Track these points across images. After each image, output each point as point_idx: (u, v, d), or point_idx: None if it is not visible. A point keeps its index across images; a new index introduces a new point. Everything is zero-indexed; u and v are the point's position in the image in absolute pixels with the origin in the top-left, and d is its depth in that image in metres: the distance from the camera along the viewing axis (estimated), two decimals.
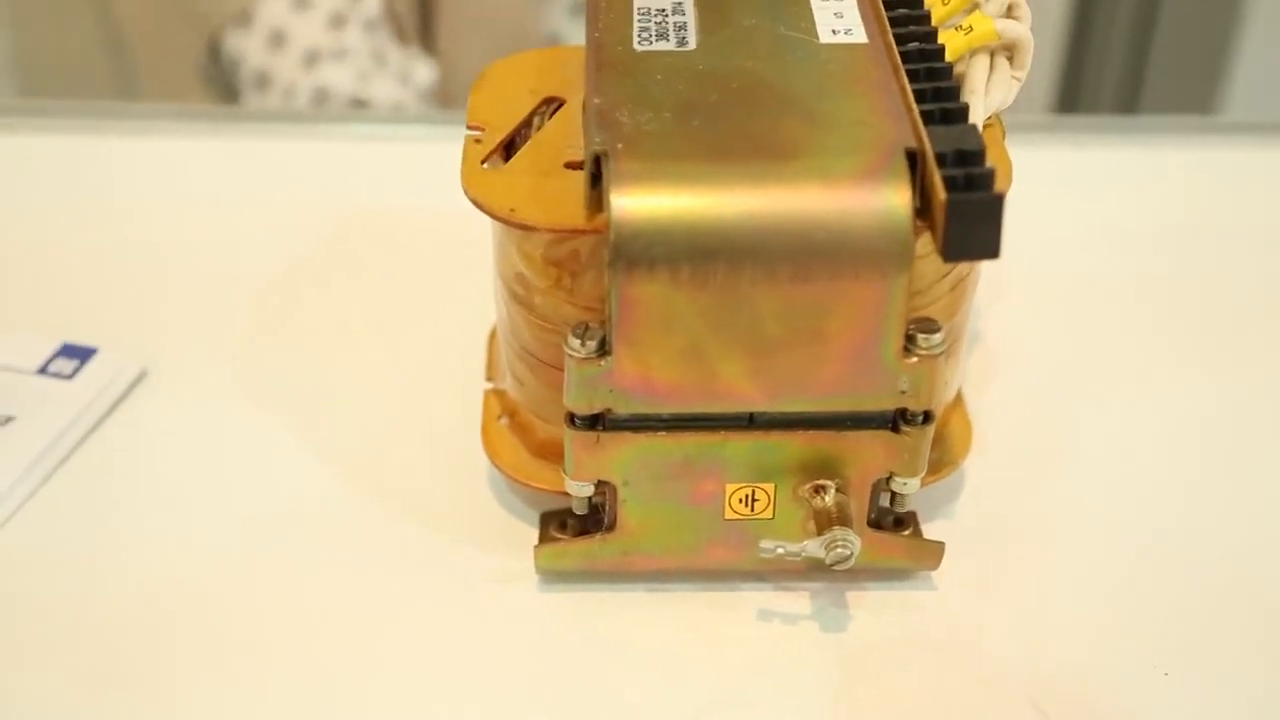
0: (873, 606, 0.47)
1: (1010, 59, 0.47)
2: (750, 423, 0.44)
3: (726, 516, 0.45)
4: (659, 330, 0.41)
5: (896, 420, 0.44)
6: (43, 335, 0.57)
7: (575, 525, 0.47)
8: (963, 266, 0.46)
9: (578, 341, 0.42)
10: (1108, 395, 0.56)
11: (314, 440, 0.53)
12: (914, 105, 0.43)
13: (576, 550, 0.47)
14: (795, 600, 0.48)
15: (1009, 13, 0.47)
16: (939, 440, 0.49)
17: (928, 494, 0.51)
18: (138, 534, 0.50)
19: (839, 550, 0.44)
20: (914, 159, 0.41)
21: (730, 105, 0.43)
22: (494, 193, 0.43)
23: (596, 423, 0.44)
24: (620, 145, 0.41)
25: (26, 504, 0.51)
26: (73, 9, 1.21)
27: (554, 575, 0.48)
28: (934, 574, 0.48)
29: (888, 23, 0.47)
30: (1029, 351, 0.58)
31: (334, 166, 0.69)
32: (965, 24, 0.47)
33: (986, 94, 0.46)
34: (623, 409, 0.43)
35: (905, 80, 0.44)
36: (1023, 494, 0.52)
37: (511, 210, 0.43)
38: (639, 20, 0.47)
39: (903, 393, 0.43)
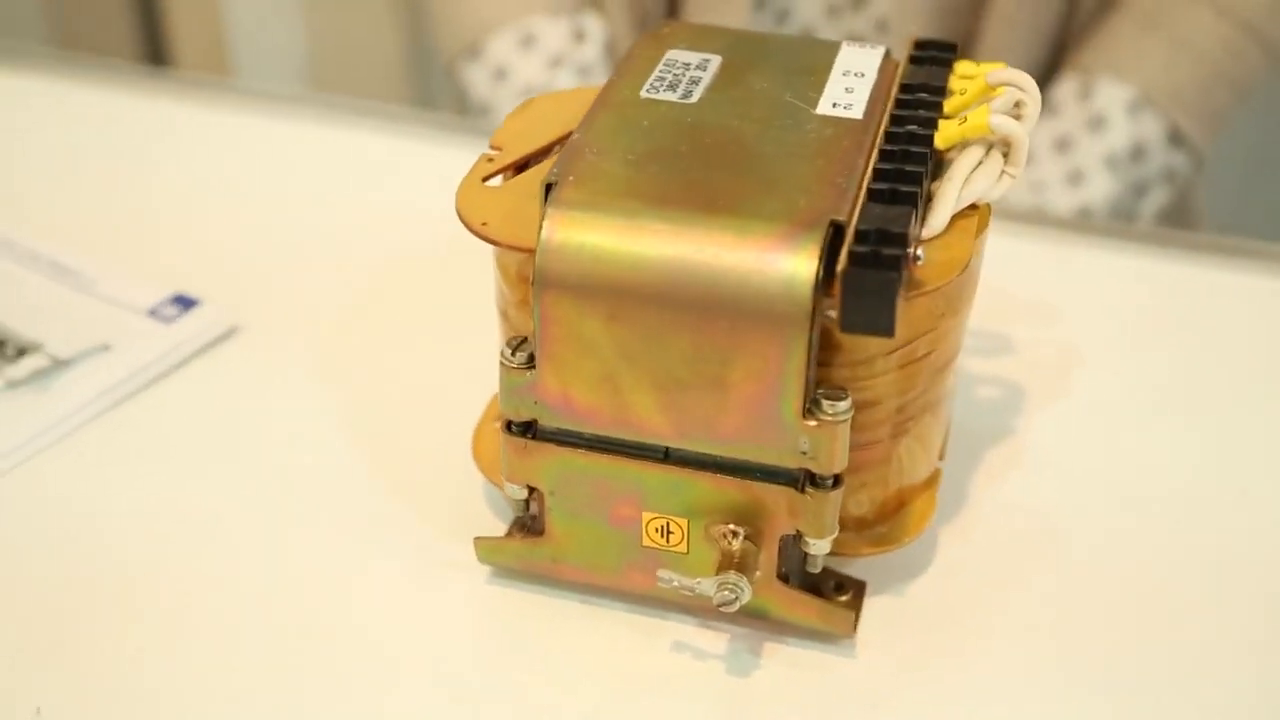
0: (783, 661, 0.49)
1: (1005, 155, 0.48)
2: (665, 456, 0.46)
3: (644, 543, 0.48)
4: (576, 352, 0.45)
5: (803, 480, 0.46)
6: (161, 283, 0.65)
7: (526, 528, 0.51)
8: (919, 346, 0.48)
9: (509, 351, 0.46)
10: (1110, 510, 0.55)
11: (349, 420, 0.59)
12: (866, 183, 0.45)
13: (511, 548, 0.50)
14: (714, 639, 0.50)
15: (1014, 110, 0.49)
16: (895, 514, 0.51)
17: (884, 564, 0.52)
18: (165, 471, 0.57)
19: (725, 593, 0.46)
20: (841, 231, 0.43)
21: (694, 157, 0.46)
22: (476, 206, 0.48)
23: (528, 431, 0.47)
24: (571, 178, 0.45)
25: (92, 423, 0.59)
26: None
27: (500, 570, 0.52)
28: (858, 643, 0.50)
29: (896, 103, 0.49)
30: (1053, 455, 0.58)
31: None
32: (963, 114, 0.48)
33: (967, 184, 0.47)
34: (548, 422, 0.47)
35: (875, 158, 0.46)
36: (986, 586, 0.52)
37: (483, 224, 0.47)
38: (660, 70, 0.51)
39: (803, 453, 0.45)
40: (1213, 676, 0.49)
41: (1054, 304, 0.66)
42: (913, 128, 0.48)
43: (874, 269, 0.41)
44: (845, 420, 0.44)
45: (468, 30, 0.94)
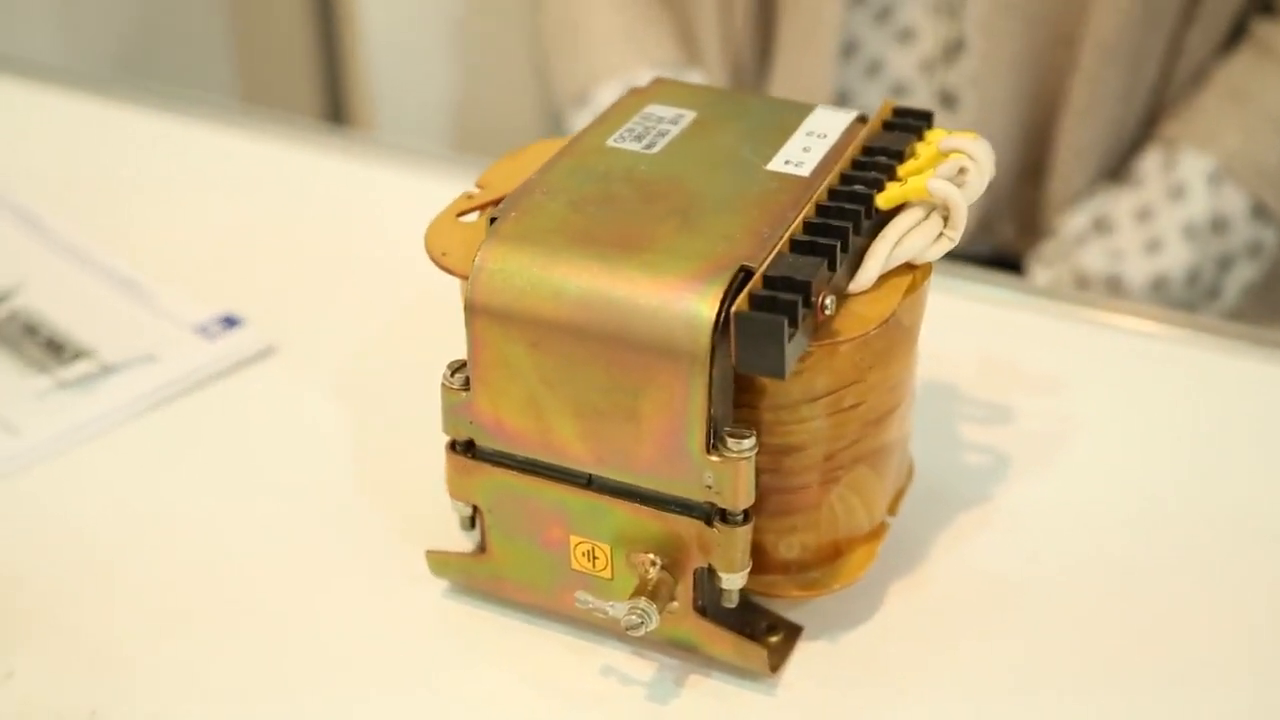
0: (703, 693, 0.51)
1: (946, 219, 0.50)
2: (589, 483, 0.49)
3: (573, 567, 0.51)
4: (504, 377, 0.48)
5: (712, 515, 0.48)
6: (214, 303, 0.71)
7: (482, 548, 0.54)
8: (845, 397, 0.50)
9: (449, 373, 0.50)
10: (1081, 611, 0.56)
11: (364, 440, 0.64)
12: (790, 234, 0.47)
13: (456, 563, 0.54)
14: (642, 667, 0.52)
15: (957, 176, 0.50)
16: (830, 562, 0.53)
17: (826, 611, 0.54)
18: (184, 474, 0.62)
19: (632, 617, 0.48)
20: (751, 277, 0.46)
21: (633, 202, 0.49)
22: (442, 239, 0.52)
23: (468, 450, 0.51)
24: (514, 214, 0.49)
25: (126, 425, 0.64)
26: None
27: (455, 584, 0.55)
28: (780, 683, 0.52)
29: (851, 163, 0.51)
30: (1024, 524, 0.59)
31: None
32: (903, 177, 0.51)
33: (900, 243, 0.49)
34: (483, 442, 0.50)
35: (808, 212, 0.48)
36: (924, 644, 0.53)
37: (443, 254, 0.51)
38: (632, 122, 0.54)
39: (708, 487, 0.47)
40: None
41: (1060, 377, 0.67)
42: (858, 187, 0.50)
43: (765, 312, 0.44)
44: (748, 458, 0.47)
45: (578, 80, 0.99)
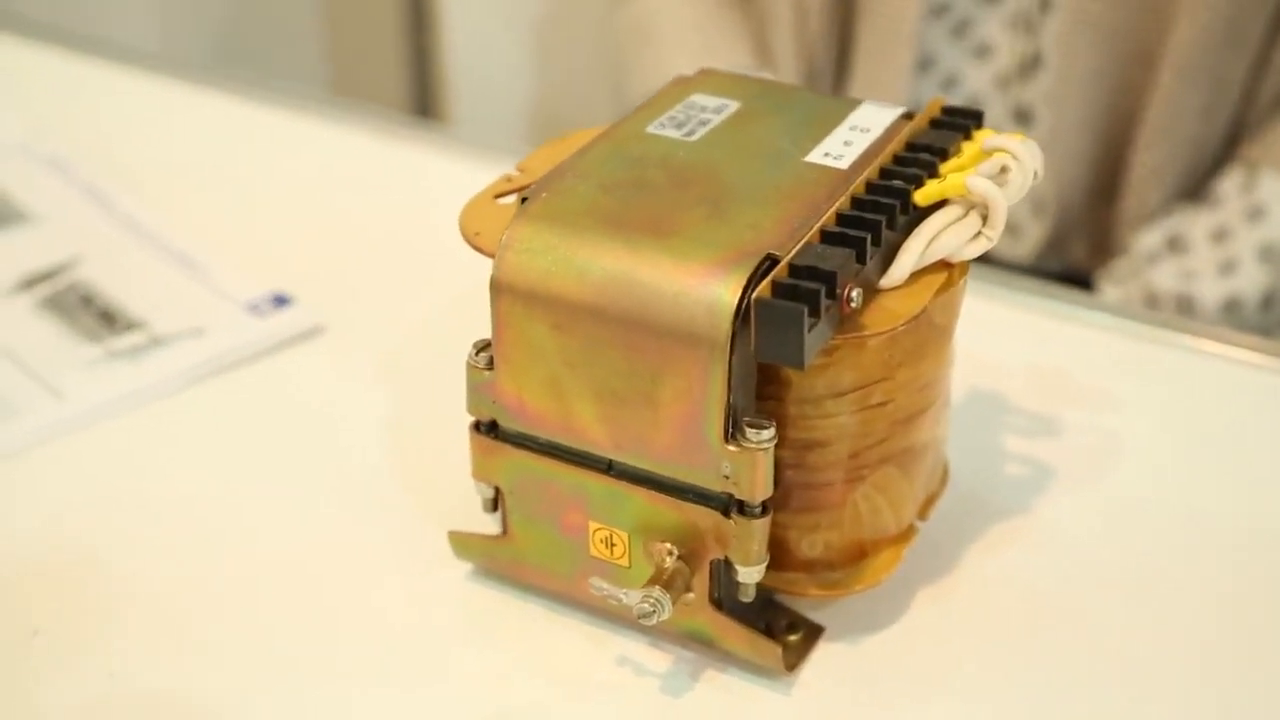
0: (718, 688, 0.51)
1: (985, 217, 0.49)
2: (609, 469, 0.49)
3: (591, 553, 0.51)
4: (527, 357, 0.48)
5: (730, 506, 0.48)
6: (266, 280, 0.72)
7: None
8: (872, 393, 0.49)
9: (474, 352, 0.50)
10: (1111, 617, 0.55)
11: (403, 422, 0.64)
12: (821, 225, 0.47)
13: (477, 545, 0.54)
14: (659, 659, 0.52)
15: (999, 175, 0.50)
16: (854, 563, 0.52)
17: (850, 613, 0.53)
18: (223, 449, 0.63)
19: (645, 605, 0.48)
20: (777, 265, 0.45)
21: (665, 188, 0.49)
22: (477, 219, 0.52)
23: (491, 431, 0.51)
24: (545, 195, 0.49)
25: (171, 398, 0.66)
26: None
27: (477, 566, 0.55)
28: (795, 683, 0.51)
29: (893, 159, 0.51)
30: (1060, 539, 0.58)
31: None
32: (943, 173, 0.50)
33: (935, 240, 0.49)
34: (506, 423, 0.50)
35: (842, 204, 0.48)
36: (945, 652, 0.53)
37: (476, 234, 0.51)
38: (675, 110, 0.54)
39: (726, 477, 0.47)
40: None
41: (1113, 394, 0.65)
42: (896, 182, 0.49)
43: (786, 300, 0.43)
44: (766, 449, 0.46)
45: (650, 81, 0.99)
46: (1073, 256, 0.96)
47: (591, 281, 0.47)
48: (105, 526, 0.58)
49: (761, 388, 0.48)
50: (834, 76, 0.97)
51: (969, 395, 0.64)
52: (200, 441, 0.63)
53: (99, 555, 0.57)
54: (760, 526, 0.48)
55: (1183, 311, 0.87)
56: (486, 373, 0.50)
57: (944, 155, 0.52)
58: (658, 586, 0.48)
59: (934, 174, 0.51)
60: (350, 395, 0.66)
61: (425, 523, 0.58)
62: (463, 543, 0.54)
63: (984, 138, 0.53)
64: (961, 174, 0.49)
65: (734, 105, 0.55)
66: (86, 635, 0.53)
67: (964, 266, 0.50)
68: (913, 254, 0.48)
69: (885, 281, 0.48)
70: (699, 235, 0.47)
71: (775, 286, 0.44)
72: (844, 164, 0.51)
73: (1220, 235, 0.86)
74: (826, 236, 0.47)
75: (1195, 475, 0.61)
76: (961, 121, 0.54)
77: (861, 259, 0.46)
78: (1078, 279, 0.95)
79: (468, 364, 0.50)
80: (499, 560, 0.54)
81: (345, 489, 0.60)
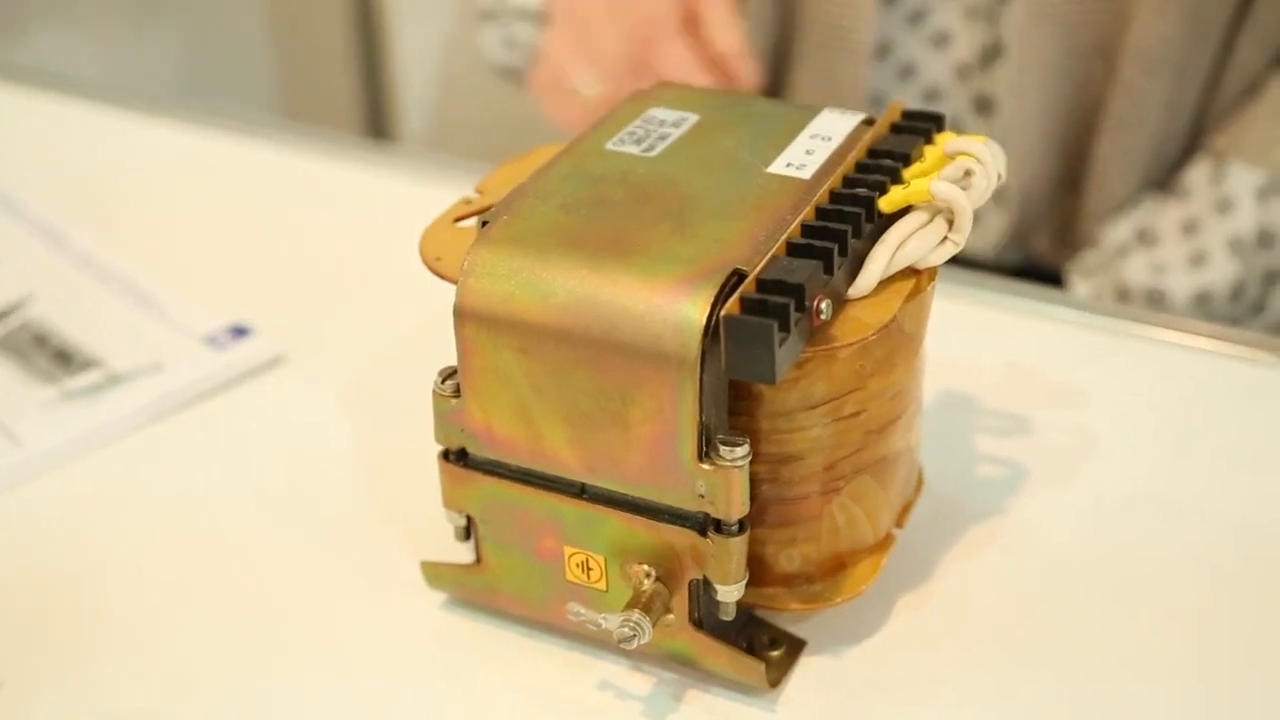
0: (702, 709, 0.51)
1: (951, 222, 0.49)
2: (581, 493, 0.49)
3: (567, 578, 0.50)
4: (494, 383, 0.48)
5: (706, 525, 0.47)
6: (224, 312, 0.71)
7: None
8: (845, 404, 0.49)
9: (440, 380, 0.50)
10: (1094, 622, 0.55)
11: (369, 450, 0.64)
12: (786, 237, 0.47)
13: (450, 574, 0.53)
14: (640, 682, 0.52)
15: (963, 179, 0.50)
16: (833, 575, 0.52)
17: (830, 625, 0.53)
18: (188, 484, 0.62)
19: (625, 629, 0.48)
20: (744, 280, 0.45)
21: (628, 205, 0.49)
22: (437, 244, 0.51)
23: (461, 459, 0.50)
24: (505, 218, 0.49)
25: (132, 436, 0.65)
26: None
27: (451, 595, 0.55)
28: (779, 700, 0.51)
29: (855, 166, 0.51)
30: (1037, 539, 0.58)
31: None
32: (908, 180, 0.50)
33: (901, 247, 0.48)
34: (475, 451, 0.50)
35: (807, 215, 0.48)
36: (930, 658, 0.53)
37: (437, 259, 0.51)
38: (633, 126, 0.54)
39: (701, 496, 0.46)
40: None
41: (1085, 390, 0.65)
42: (860, 190, 0.49)
43: (756, 315, 0.43)
44: (741, 466, 0.46)
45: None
46: (1036, 249, 0.96)
47: (556, 304, 0.46)
48: (70, 572, 0.57)
49: (733, 403, 0.48)
50: (775, 65, 0.96)
51: (940, 398, 0.64)
52: (164, 479, 0.62)
53: (65, 602, 0.56)
54: (738, 545, 0.47)
55: (1154, 305, 0.87)
56: (453, 400, 0.49)
57: (906, 160, 0.51)
58: (637, 610, 0.48)
59: (897, 180, 0.51)
60: (315, 426, 0.65)
61: (398, 553, 0.57)
62: (436, 572, 0.54)
63: (945, 141, 0.52)
64: (925, 179, 0.49)
65: (693, 118, 0.54)
66: (53, 684, 0.52)
67: (932, 272, 0.50)
68: (880, 262, 0.48)
69: (853, 291, 0.48)
70: (664, 252, 0.46)
71: (743, 302, 0.44)
72: (807, 174, 0.50)
73: (1190, 227, 0.86)
74: (793, 249, 0.46)
75: (1171, 468, 0.61)
76: (922, 125, 0.54)
77: (829, 270, 0.46)
78: (1041, 271, 0.95)
79: (434, 392, 0.50)
80: (473, 589, 0.53)
81: (315, 521, 0.60)
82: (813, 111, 0.55)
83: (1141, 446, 0.63)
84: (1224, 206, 0.86)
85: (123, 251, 0.77)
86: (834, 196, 0.49)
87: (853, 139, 0.53)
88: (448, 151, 1.63)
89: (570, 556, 0.50)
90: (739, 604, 0.49)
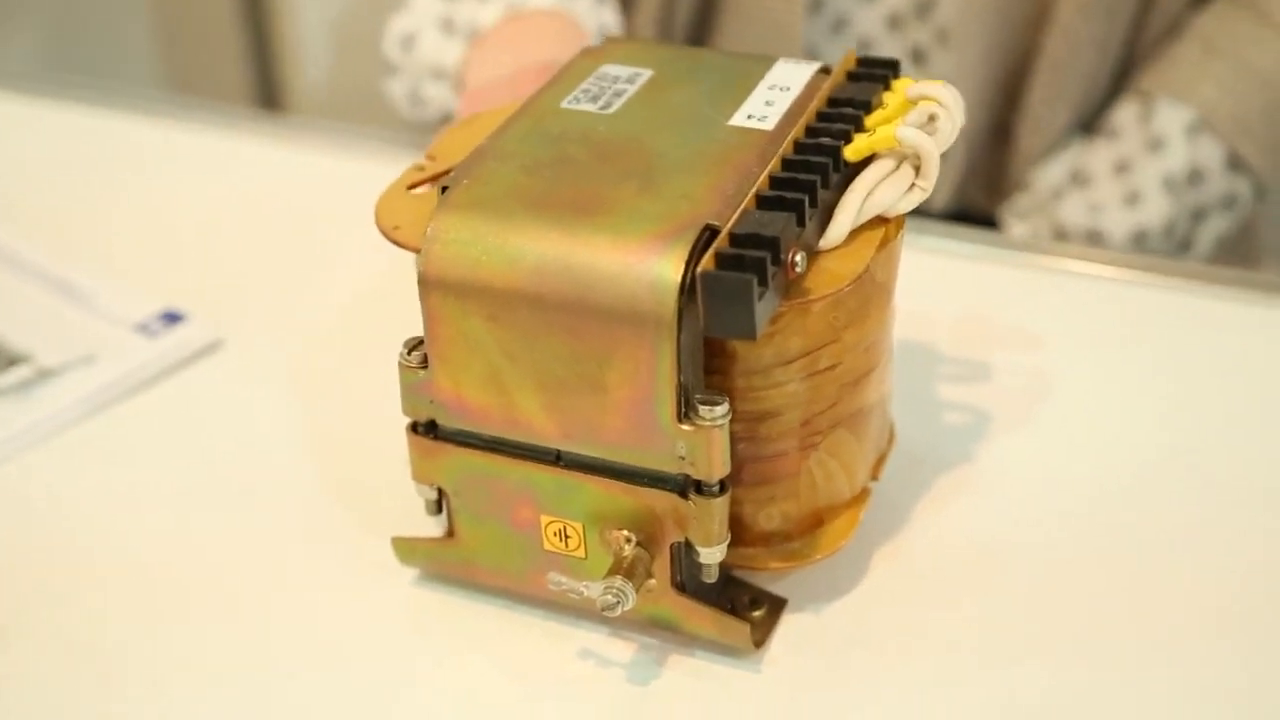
0: (685, 671, 0.50)
1: (917, 168, 0.49)
2: (557, 459, 0.48)
3: (545, 547, 0.50)
4: (463, 351, 0.47)
5: (687, 487, 0.47)
6: (154, 299, 0.69)
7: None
8: (820, 358, 0.48)
9: (406, 351, 0.48)
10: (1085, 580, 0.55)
11: (317, 432, 0.62)
12: (755, 190, 0.46)
13: (423, 549, 0.52)
14: (622, 648, 0.51)
15: (927, 124, 0.49)
16: (812, 531, 0.51)
17: (809, 581, 0.53)
18: (135, 476, 0.60)
19: (608, 597, 0.47)
20: (717, 236, 0.44)
21: (590, 164, 0.48)
22: (393, 212, 0.50)
23: (430, 431, 0.49)
24: (466, 182, 0.47)
25: (69, 430, 0.62)
26: None
27: (424, 571, 0.54)
28: (763, 660, 0.50)
29: (816, 116, 0.50)
30: (1006, 483, 0.58)
31: None
32: (871, 127, 0.49)
33: (870, 195, 0.48)
34: (445, 422, 0.49)
35: (773, 167, 0.47)
36: (910, 609, 0.52)
37: (395, 228, 0.49)
38: (588, 83, 0.53)
39: (681, 458, 0.46)
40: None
41: (1036, 332, 0.66)
42: (825, 140, 0.49)
43: (733, 270, 0.42)
44: (721, 425, 0.45)
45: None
46: (969, 197, 0.96)
47: (525, 268, 0.45)
48: (14, 576, 0.55)
49: (707, 361, 0.47)
50: (698, 25, 0.94)
51: (900, 347, 0.64)
52: (106, 475, 0.60)
53: (8, 606, 0.54)
54: (719, 505, 0.47)
55: (1092, 245, 0.87)
56: (421, 371, 0.48)
57: (867, 108, 0.51)
58: (619, 576, 0.47)
59: (860, 128, 0.50)
60: (261, 409, 0.64)
61: (360, 533, 0.56)
62: (408, 548, 0.53)
63: (904, 87, 0.52)
64: (890, 126, 0.49)
65: (647, 74, 0.53)
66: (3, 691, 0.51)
67: (900, 221, 0.50)
68: (849, 212, 0.48)
69: (824, 242, 0.48)
70: (632, 210, 0.46)
71: (719, 258, 0.43)
72: (769, 125, 0.50)
73: (1122, 167, 0.87)
74: (763, 201, 0.46)
75: (1126, 405, 0.62)
76: (879, 72, 0.53)
77: (801, 221, 0.45)
78: (976, 218, 0.95)
79: (400, 364, 0.49)
80: (447, 563, 0.52)
81: (271, 508, 0.58)
82: (768, 62, 0.54)
83: (1094, 385, 0.63)
84: (1155, 145, 0.87)
85: (33, 242, 0.74)
86: (799, 147, 0.49)
87: (811, 89, 0.52)
88: (345, 120, 1.60)
89: (547, 525, 0.49)
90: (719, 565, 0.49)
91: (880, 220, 0.49)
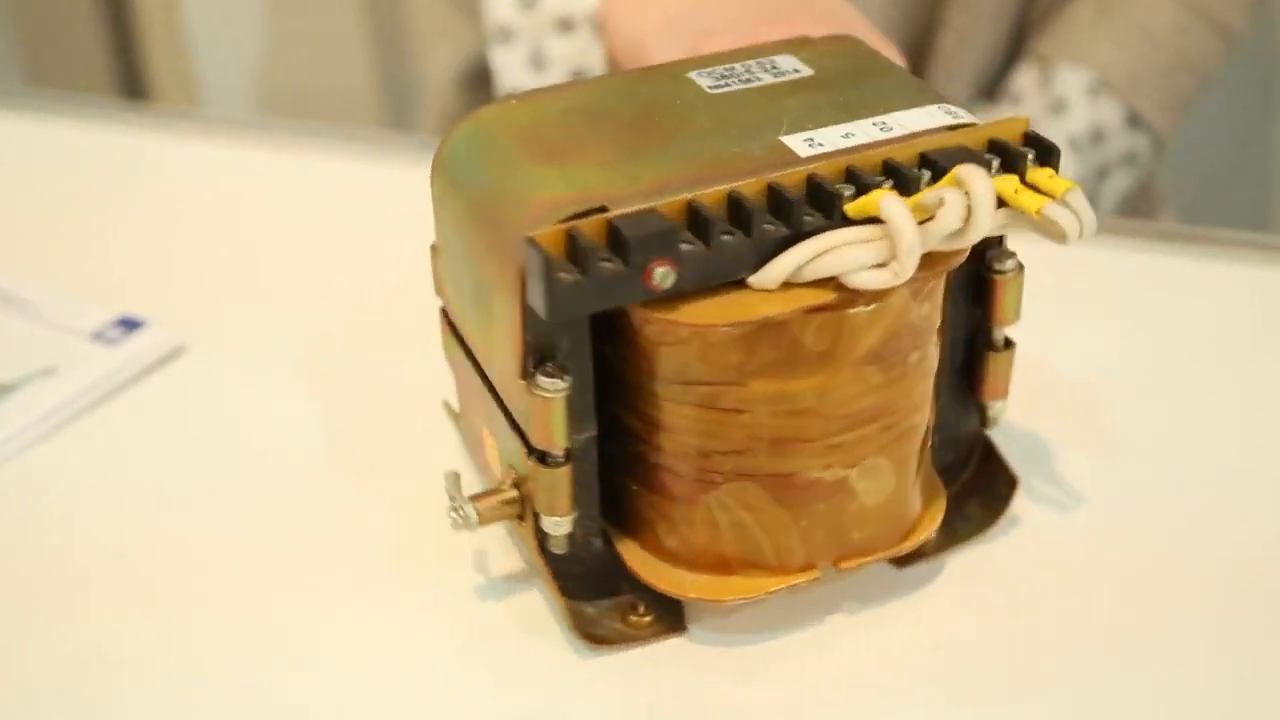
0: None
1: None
2: (484, 379, 0.51)
3: (485, 458, 0.52)
4: (446, 244, 0.51)
5: (532, 450, 0.47)
6: (106, 306, 0.67)
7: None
8: (722, 397, 0.46)
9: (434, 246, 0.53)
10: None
11: (290, 436, 0.60)
12: (695, 196, 0.45)
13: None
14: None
15: (937, 206, 0.44)
16: (714, 571, 0.49)
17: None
18: (109, 490, 0.58)
19: (452, 513, 0.49)
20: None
21: (619, 124, 0.49)
22: None
23: (446, 317, 0.54)
24: (514, 101, 0.51)
25: (32, 449, 0.60)
26: None
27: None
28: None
29: (870, 163, 0.46)
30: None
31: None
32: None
33: (827, 252, 0.44)
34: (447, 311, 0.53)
35: (746, 187, 0.45)
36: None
37: None
38: (742, 64, 0.52)
39: (523, 417, 0.47)
40: None
41: None
42: (841, 186, 0.45)
43: (561, 252, 0.43)
44: (553, 398, 0.45)
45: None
46: None
47: (477, 185, 0.48)
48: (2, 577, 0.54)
49: (619, 347, 0.47)
50: None
51: None
52: (76, 489, 0.58)
53: None
54: (559, 477, 0.47)
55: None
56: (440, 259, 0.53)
57: (937, 174, 0.46)
58: (474, 500, 0.49)
59: (908, 191, 0.45)
60: (230, 414, 0.62)
61: (339, 534, 0.55)
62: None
63: (1043, 177, 0.46)
64: (883, 193, 0.44)
65: (807, 73, 0.51)
66: None
67: (870, 297, 0.45)
68: (790, 259, 0.44)
69: (754, 280, 0.45)
70: (575, 173, 0.46)
71: (569, 236, 0.43)
72: (805, 152, 0.46)
73: None
74: (694, 210, 0.44)
75: (1040, 353, 0.60)
76: (1018, 149, 0.47)
77: (706, 240, 0.43)
78: None
79: (431, 247, 0.53)
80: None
81: (250, 516, 0.56)
82: (925, 99, 0.49)
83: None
84: (1057, 108, 0.89)
85: None
86: (809, 182, 0.45)
87: (915, 137, 0.47)
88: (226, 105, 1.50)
89: (487, 440, 0.52)
90: (615, 554, 0.49)
91: (841, 288, 0.44)
